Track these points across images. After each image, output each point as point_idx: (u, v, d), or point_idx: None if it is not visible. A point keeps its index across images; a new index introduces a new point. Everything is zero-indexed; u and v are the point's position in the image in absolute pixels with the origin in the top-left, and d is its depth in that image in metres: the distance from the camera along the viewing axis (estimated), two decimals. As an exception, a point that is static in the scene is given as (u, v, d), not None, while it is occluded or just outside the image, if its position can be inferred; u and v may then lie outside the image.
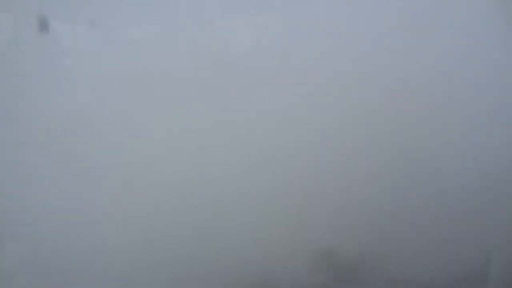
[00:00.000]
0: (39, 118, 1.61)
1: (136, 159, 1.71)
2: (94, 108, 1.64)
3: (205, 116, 1.74)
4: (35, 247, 1.64)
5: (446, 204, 1.92)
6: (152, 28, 1.66)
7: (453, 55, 1.82)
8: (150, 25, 1.65)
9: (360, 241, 1.87)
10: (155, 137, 1.70)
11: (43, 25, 1.52)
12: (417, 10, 1.78)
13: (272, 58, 1.74)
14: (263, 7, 1.71)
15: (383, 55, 1.81)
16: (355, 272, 1.85)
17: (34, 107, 1.61)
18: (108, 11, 1.57)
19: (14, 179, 1.62)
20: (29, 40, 1.55)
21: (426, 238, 1.91)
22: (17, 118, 1.60)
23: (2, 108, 1.58)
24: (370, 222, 1.88)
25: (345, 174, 1.85)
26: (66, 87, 1.62)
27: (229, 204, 1.77)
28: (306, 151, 1.82)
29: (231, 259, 1.80)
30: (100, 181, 1.68)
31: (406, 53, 1.81)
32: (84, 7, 1.54)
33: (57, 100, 1.61)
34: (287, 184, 1.81)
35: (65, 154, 1.64)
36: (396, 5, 1.77)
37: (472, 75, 1.84)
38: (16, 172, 1.62)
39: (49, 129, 1.63)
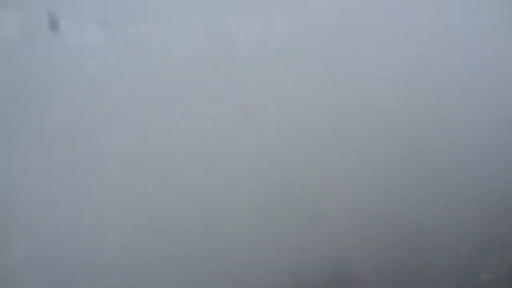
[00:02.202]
0: (46, 116, 1.61)
1: (141, 158, 1.70)
2: (100, 107, 1.64)
3: (212, 114, 1.74)
4: (40, 243, 1.63)
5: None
6: (160, 26, 1.66)
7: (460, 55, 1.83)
8: (158, 24, 1.65)
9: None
10: (161, 135, 1.70)
11: (53, 24, 1.53)
12: (424, 11, 1.78)
13: (279, 58, 1.74)
14: (272, 7, 1.71)
15: (391, 56, 1.82)
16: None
17: (41, 105, 1.61)
18: (118, 10, 1.58)
19: (20, 176, 1.62)
20: (38, 38, 1.55)
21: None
22: (25, 116, 1.59)
23: (8, 106, 1.58)
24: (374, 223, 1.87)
25: (351, 174, 1.84)
26: (75, 85, 1.62)
27: (230, 204, 1.76)
28: (312, 150, 1.82)
29: (232, 259, 1.78)
30: (105, 179, 1.67)
31: (413, 54, 1.82)
32: (95, 6, 1.55)
33: (65, 98, 1.61)
34: (292, 183, 1.80)
35: (71, 152, 1.64)
36: (402, 7, 1.77)
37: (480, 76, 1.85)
38: (22, 169, 1.62)
39: (55, 127, 1.63)
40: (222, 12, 1.74)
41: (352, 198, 1.93)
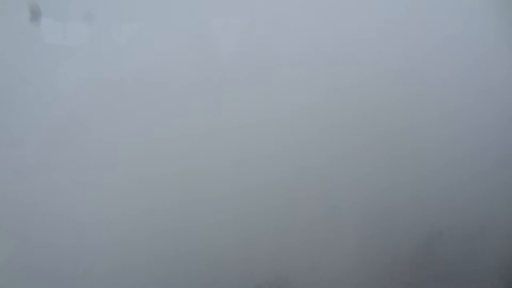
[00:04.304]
0: (29, 116, 1.59)
1: (126, 159, 1.69)
2: (85, 106, 1.63)
3: (198, 115, 1.73)
4: (23, 246, 1.63)
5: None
6: (144, 25, 1.64)
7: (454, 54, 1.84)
8: (141, 23, 1.64)
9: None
10: (147, 136, 1.69)
11: (35, 14, 1.46)
12: (419, 10, 1.79)
13: (266, 56, 1.74)
14: (258, 6, 1.71)
15: (381, 55, 1.82)
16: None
17: (24, 104, 1.59)
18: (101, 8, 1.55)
19: (2, 177, 1.60)
20: (19, 34, 1.51)
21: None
22: (6, 116, 1.58)
23: None
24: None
25: (342, 174, 1.85)
26: (58, 85, 1.60)
27: (220, 204, 1.77)
28: (304, 152, 1.82)
29: (224, 259, 1.79)
30: (89, 181, 1.66)
31: (406, 53, 1.82)
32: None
33: (48, 98, 1.60)
34: (280, 184, 1.81)
35: (55, 153, 1.62)
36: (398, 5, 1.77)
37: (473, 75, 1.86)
38: (5, 170, 1.60)
39: (39, 127, 1.61)
40: (211, 11, 1.71)
41: (350, 199, 1.93)
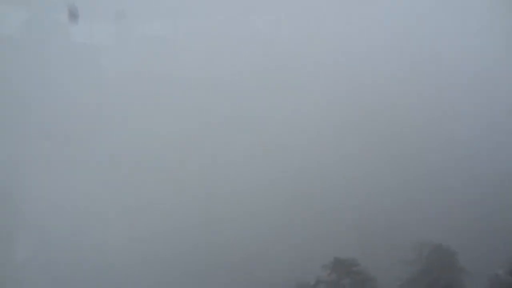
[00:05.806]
0: (49, 115, 1.64)
1: (144, 158, 1.73)
2: (100, 106, 1.67)
3: (207, 115, 1.78)
4: (41, 244, 1.66)
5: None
6: (165, 27, 1.69)
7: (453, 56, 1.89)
8: (165, 24, 1.69)
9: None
10: (163, 136, 1.73)
11: (73, 15, 1.56)
12: (421, 14, 1.84)
13: (274, 61, 1.79)
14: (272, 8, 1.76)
15: (386, 59, 1.88)
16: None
17: (46, 104, 1.63)
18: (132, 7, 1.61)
19: (20, 176, 1.64)
20: (55, 34, 1.58)
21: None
22: (28, 115, 1.62)
23: (15, 106, 1.61)
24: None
25: (345, 175, 1.89)
26: (84, 82, 1.65)
27: (223, 206, 1.80)
28: (312, 151, 1.86)
29: (232, 257, 1.82)
30: (106, 180, 1.70)
31: (406, 55, 1.87)
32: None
33: (75, 94, 1.65)
34: (284, 184, 1.84)
35: (78, 151, 1.66)
36: (399, 9, 1.83)
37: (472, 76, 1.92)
38: (23, 169, 1.64)
39: (58, 126, 1.66)
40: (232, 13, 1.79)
41: (353, 198, 1.98)
